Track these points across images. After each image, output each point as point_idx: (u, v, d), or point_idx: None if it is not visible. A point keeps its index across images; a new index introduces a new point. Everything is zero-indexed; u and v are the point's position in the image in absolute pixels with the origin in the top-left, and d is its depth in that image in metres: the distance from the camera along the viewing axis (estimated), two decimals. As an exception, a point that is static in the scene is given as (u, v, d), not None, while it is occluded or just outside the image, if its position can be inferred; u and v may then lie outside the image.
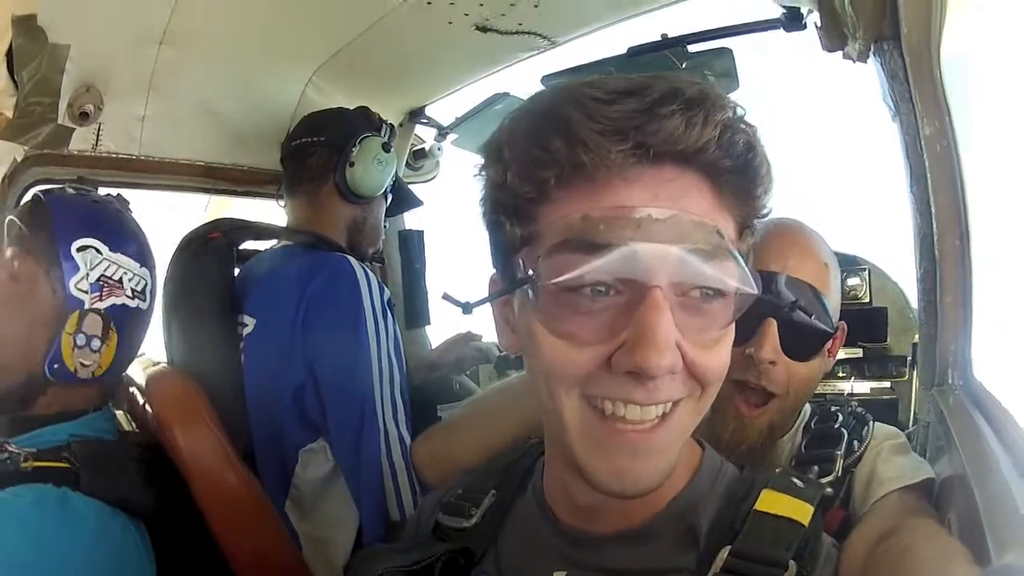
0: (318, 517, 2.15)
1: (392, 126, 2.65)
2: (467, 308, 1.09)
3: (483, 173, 1.07)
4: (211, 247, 2.18)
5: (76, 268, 1.70)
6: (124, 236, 1.82)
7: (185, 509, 1.77)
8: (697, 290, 0.94)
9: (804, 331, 1.59)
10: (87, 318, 1.71)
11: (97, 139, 2.55)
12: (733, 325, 1.01)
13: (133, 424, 2.11)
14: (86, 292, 1.71)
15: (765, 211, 1.02)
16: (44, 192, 1.83)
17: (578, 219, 0.92)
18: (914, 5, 1.47)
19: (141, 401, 2.00)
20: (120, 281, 1.76)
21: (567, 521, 1.17)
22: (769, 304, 1.56)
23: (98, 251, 1.73)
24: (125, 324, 1.79)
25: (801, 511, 1.08)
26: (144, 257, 1.84)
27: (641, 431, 0.96)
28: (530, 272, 0.96)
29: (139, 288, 1.81)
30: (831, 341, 1.65)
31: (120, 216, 1.88)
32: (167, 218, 2.99)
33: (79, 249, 1.71)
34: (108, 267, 1.74)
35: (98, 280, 1.72)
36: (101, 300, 1.73)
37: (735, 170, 0.94)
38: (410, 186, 3.13)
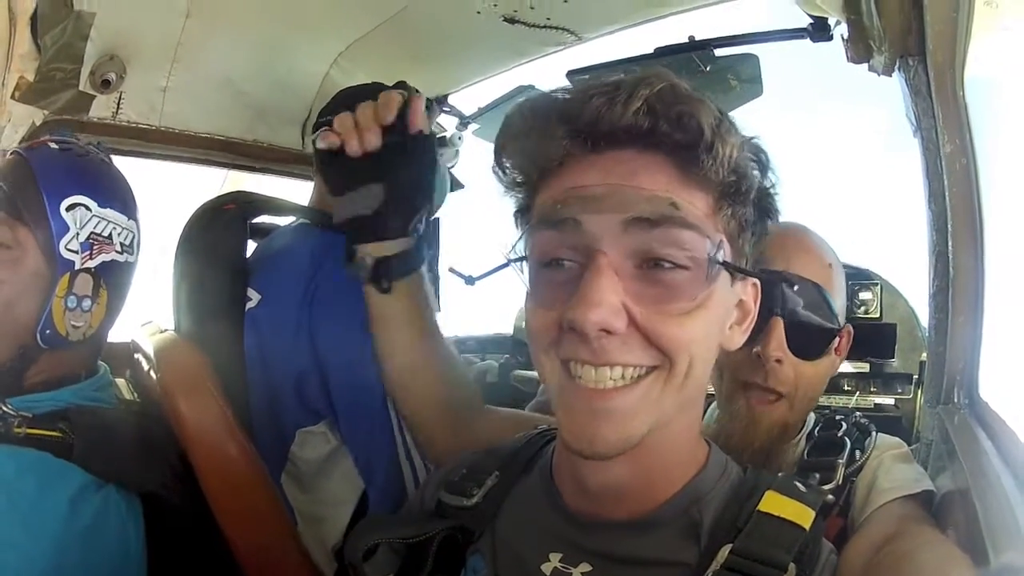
0: (314, 495, 2.14)
1: (432, 103, 2.58)
2: (470, 281, 1.22)
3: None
4: (224, 218, 2.16)
5: (66, 228, 1.66)
6: (111, 190, 1.79)
7: (184, 484, 1.76)
8: (652, 261, 1.02)
9: (810, 329, 1.62)
10: (78, 278, 1.68)
11: (118, 108, 2.57)
12: (715, 302, 1.07)
13: (134, 392, 2.10)
14: (76, 252, 1.67)
15: (738, 184, 1.06)
16: (25, 148, 1.77)
17: (548, 203, 1.07)
18: (940, 23, 1.48)
19: (146, 368, 2.00)
20: (109, 237, 1.73)
21: (573, 504, 1.19)
22: (774, 303, 1.58)
23: (87, 208, 1.69)
24: (114, 280, 1.77)
25: (803, 515, 1.10)
26: (130, 209, 1.80)
27: (600, 391, 1.03)
28: (514, 251, 1.13)
29: (127, 242, 1.78)
30: (837, 340, 1.67)
31: (105, 168, 1.83)
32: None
33: (68, 208, 1.66)
34: (98, 224, 1.70)
35: (88, 238, 1.69)
36: (91, 258, 1.69)
37: (686, 144, 1.01)
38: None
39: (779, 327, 1.59)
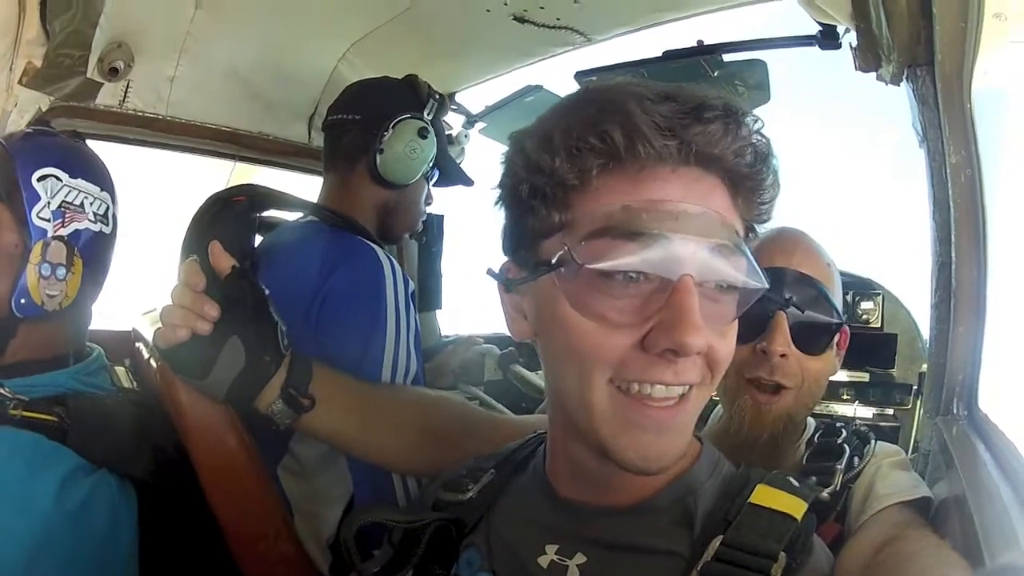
0: (311, 490, 2.14)
1: (443, 99, 2.56)
2: (510, 286, 1.16)
3: (513, 159, 1.12)
4: (234, 210, 2.14)
5: (37, 198, 1.68)
6: (82, 162, 1.82)
7: (180, 474, 1.77)
8: (712, 282, 1.03)
9: (814, 324, 1.65)
10: (51, 246, 1.69)
11: (125, 96, 2.56)
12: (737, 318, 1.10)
13: (133, 381, 2.10)
14: (48, 220, 1.69)
15: (767, 217, 1.13)
16: (3, 137, 1.81)
17: (619, 208, 1.00)
18: (949, 34, 1.49)
19: (146, 356, 2.00)
20: (81, 206, 1.75)
21: (568, 494, 1.20)
22: (778, 299, 1.61)
23: (58, 179, 1.71)
24: (89, 249, 1.78)
25: (795, 507, 1.11)
26: (103, 182, 1.84)
27: (666, 408, 1.04)
28: (571, 255, 1.02)
29: (101, 212, 1.80)
30: (839, 336, 1.70)
31: (76, 145, 1.88)
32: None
33: (39, 179, 1.69)
34: (69, 193, 1.73)
35: (60, 207, 1.71)
36: (64, 227, 1.71)
37: (748, 176, 1.05)
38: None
39: (783, 322, 1.61)
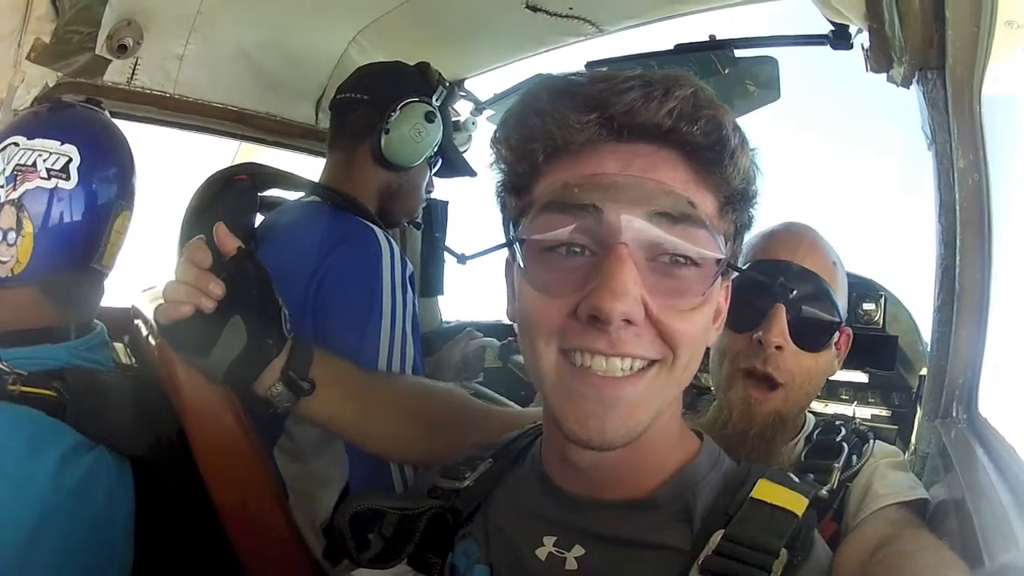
0: (306, 471, 2.14)
1: (452, 87, 2.56)
2: (462, 259, 1.21)
3: (490, 155, 1.18)
4: (236, 188, 2.14)
5: None
6: (46, 122, 1.78)
7: (176, 451, 1.77)
8: (667, 256, 1.04)
9: (812, 320, 1.66)
10: (1, 212, 1.67)
11: (133, 73, 2.56)
12: (713, 299, 1.11)
13: (132, 358, 2.10)
14: (1, 187, 1.68)
15: (747, 190, 1.12)
16: None
17: (559, 186, 1.05)
18: (961, 38, 1.49)
19: (145, 333, 1.99)
20: (34, 164, 1.69)
21: (565, 486, 1.20)
22: (778, 290, 1.60)
23: (16, 144, 1.70)
24: (40, 208, 1.70)
25: (796, 502, 1.11)
26: (68, 136, 1.75)
27: (608, 379, 1.04)
28: (518, 232, 1.11)
29: (57, 166, 1.71)
30: (838, 335, 1.71)
31: (50, 110, 1.84)
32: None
33: (0, 151, 1.69)
34: (23, 155, 1.69)
35: (13, 171, 1.69)
36: (15, 190, 1.68)
37: (707, 147, 1.04)
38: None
39: (781, 314, 1.61)
